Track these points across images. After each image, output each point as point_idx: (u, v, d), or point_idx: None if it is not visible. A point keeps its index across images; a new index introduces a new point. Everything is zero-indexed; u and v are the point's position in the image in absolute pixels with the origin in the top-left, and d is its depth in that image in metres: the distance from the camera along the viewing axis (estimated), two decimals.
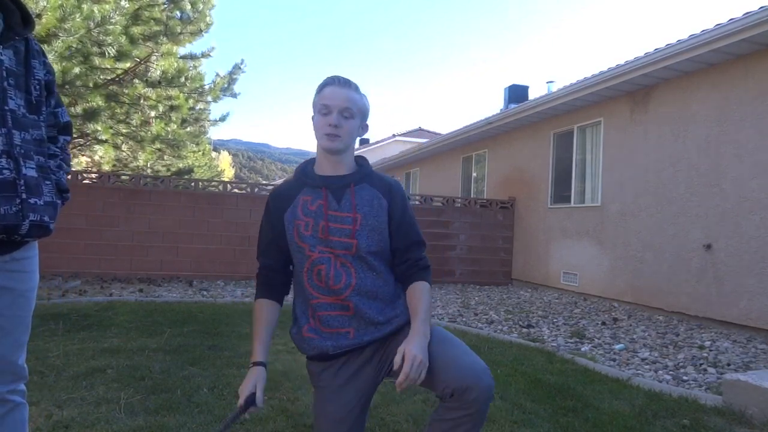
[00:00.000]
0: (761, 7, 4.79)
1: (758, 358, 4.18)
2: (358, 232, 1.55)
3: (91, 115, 7.63)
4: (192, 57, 9.08)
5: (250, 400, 1.48)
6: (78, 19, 5.90)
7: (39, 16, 5.60)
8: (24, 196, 1.26)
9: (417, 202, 8.88)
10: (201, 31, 8.50)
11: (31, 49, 1.37)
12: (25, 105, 1.32)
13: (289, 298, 1.73)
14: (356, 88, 1.60)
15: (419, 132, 24.42)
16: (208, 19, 8.55)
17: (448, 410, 1.39)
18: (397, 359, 1.36)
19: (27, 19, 1.36)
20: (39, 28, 5.59)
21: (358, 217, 1.56)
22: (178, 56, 8.71)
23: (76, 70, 6.78)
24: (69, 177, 7.22)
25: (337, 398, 1.52)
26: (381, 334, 1.55)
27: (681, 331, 5.21)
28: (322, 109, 1.56)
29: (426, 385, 1.44)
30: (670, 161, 6.18)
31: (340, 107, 1.55)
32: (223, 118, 10.58)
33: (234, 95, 9.59)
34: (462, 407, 1.35)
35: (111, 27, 6.46)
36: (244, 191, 8.22)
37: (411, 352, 1.35)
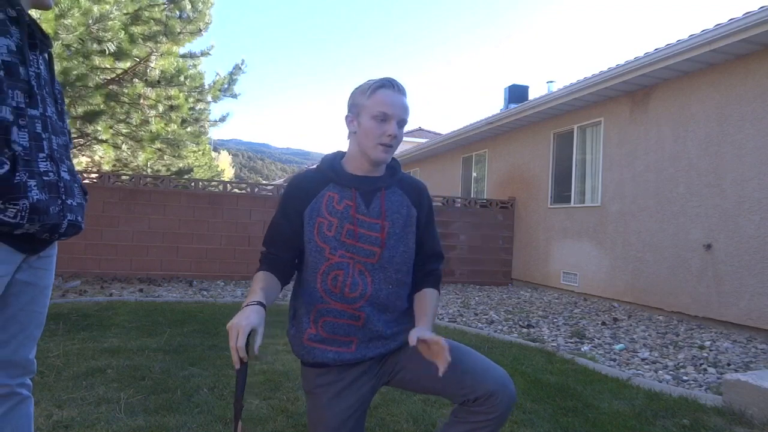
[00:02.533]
0: (761, 7, 4.79)
1: (758, 358, 4.18)
2: (385, 240, 1.48)
3: (91, 115, 7.63)
4: (191, 56, 9.08)
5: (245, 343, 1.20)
6: (77, 15, 5.90)
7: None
8: (63, 197, 1.33)
9: None
10: (200, 30, 8.48)
11: (53, 61, 1.44)
12: (55, 112, 1.39)
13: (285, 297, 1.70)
14: (407, 94, 1.52)
15: (419, 132, 24.41)
16: (207, 18, 8.54)
17: (470, 413, 1.38)
18: (413, 339, 1.32)
19: (47, 37, 1.42)
20: None
21: (386, 225, 1.49)
22: (178, 55, 8.71)
23: (76, 70, 6.78)
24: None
25: (333, 406, 1.48)
26: (385, 350, 1.51)
27: (681, 331, 5.21)
28: (379, 116, 1.45)
29: (445, 391, 1.42)
30: (670, 161, 6.18)
31: (400, 117, 1.47)
32: (223, 119, 10.58)
33: (234, 95, 9.59)
34: (486, 411, 1.36)
35: (110, 23, 6.46)
36: (244, 191, 8.22)
37: (435, 336, 1.32)
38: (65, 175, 1.36)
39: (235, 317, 1.24)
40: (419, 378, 1.48)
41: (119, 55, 7.18)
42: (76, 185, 1.42)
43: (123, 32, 6.93)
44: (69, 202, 1.35)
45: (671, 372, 3.74)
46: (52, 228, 1.30)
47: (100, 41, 6.68)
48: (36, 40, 1.32)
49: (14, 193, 1.19)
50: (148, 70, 8.00)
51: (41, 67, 1.33)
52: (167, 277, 7.49)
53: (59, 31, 5.88)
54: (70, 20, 5.84)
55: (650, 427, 2.56)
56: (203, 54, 9.14)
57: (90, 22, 6.25)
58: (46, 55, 1.40)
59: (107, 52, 6.88)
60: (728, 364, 3.95)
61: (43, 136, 1.30)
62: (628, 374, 3.50)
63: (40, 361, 3.06)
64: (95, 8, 6.27)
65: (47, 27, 5.69)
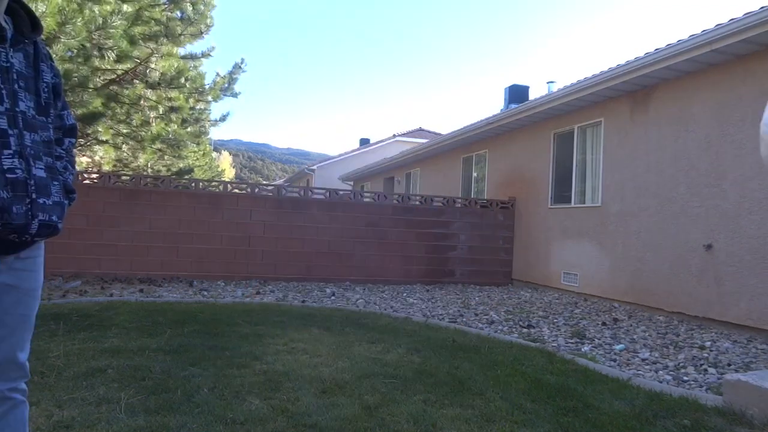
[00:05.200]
0: (762, 8, 4.79)
1: (759, 358, 4.18)
2: None
3: (91, 116, 7.63)
4: (192, 57, 9.08)
5: None
6: (79, 24, 5.90)
7: None
8: (34, 195, 1.29)
9: (417, 203, 8.88)
10: (201, 32, 8.49)
11: (40, 53, 1.40)
12: (35, 107, 1.36)
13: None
14: None
15: (420, 132, 24.42)
16: (208, 20, 8.54)
17: None
18: None
19: (35, 24, 1.39)
20: None
21: None
22: (179, 57, 8.71)
23: (77, 72, 6.79)
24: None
25: None
26: None
27: (681, 332, 5.21)
28: None
29: None
30: (670, 161, 6.18)
31: None
32: (223, 118, 10.57)
33: (234, 95, 9.59)
34: None
35: (112, 30, 6.46)
36: (244, 191, 8.22)
37: None
38: (39, 173, 1.32)
39: None
40: None
41: (120, 57, 7.18)
42: (55, 183, 1.38)
43: (124, 41, 6.92)
44: (41, 201, 1.31)
45: (671, 372, 3.74)
46: (18, 228, 1.26)
47: (101, 48, 6.69)
48: (3, 32, 1.28)
49: None
50: (148, 72, 8.01)
51: (12, 60, 1.29)
52: (167, 277, 7.49)
53: (60, 36, 5.88)
54: (71, 27, 5.84)
55: (650, 427, 2.56)
56: (204, 55, 9.14)
57: (92, 28, 6.24)
58: (30, 48, 1.36)
59: (108, 59, 6.88)
60: (729, 365, 3.95)
61: (10, 132, 1.26)
62: (629, 374, 3.50)
63: (41, 361, 3.07)
64: (96, 10, 6.27)
65: (46, 31, 5.68)
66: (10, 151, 1.25)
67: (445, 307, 6.38)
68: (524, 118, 8.68)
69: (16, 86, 1.30)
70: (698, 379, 3.55)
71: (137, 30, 7.47)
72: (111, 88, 7.94)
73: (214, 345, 3.74)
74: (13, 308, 1.36)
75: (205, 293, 6.47)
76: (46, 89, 1.40)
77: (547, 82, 11.73)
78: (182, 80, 8.32)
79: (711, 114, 5.71)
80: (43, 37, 5.78)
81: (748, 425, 2.61)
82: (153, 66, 7.97)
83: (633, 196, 6.69)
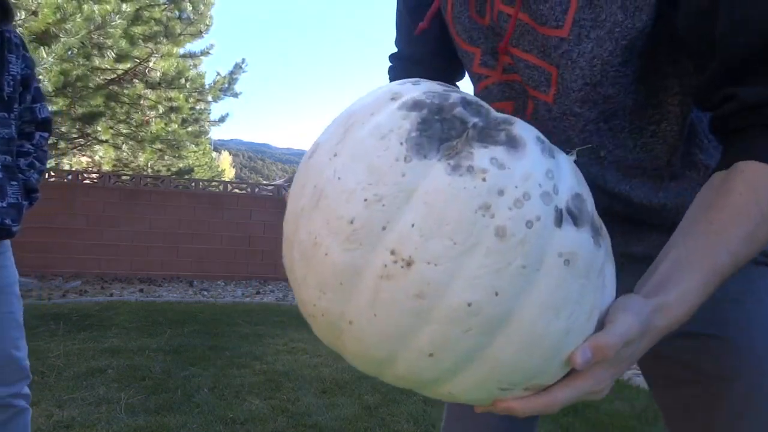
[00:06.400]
0: None
1: None
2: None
3: (91, 116, 7.64)
4: (191, 55, 9.07)
5: None
6: (79, 20, 5.90)
7: (35, 13, 5.58)
8: None
9: None
10: (201, 32, 8.48)
11: (10, 42, 1.32)
12: None
13: None
14: None
15: None
16: (208, 20, 8.54)
17: None
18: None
19: (6, 12, 1.32)
20: (36, 23, 5.58)
21: None
22: (178, 56, 8.72)
23: (77, 71, 6.79)
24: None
25: None
26: None
27: None
28: None
29: None
30: None
31: None
32: (222, 119, 10.57)
33: (235, 95, 9.58)
34: None
35: (111, 30, 6.46)
36: (244, 191, 8.23)
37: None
38: None
39: None
40: None
41: (119, 56, 7.18)
42: (13, 183, 1.32)
43: (123, 40, 6.92)
44: None
45: None
46: None
47: (100, 47, 6.68)
48: None
49: None
50: (147, 71, 8.01)
51: None
52: (167, 278, 7.49)
53: (60, 35, 5.87)
54: (71, 24, 5.83)
55: (650, 427, 2.56)
56: (203, 53, 9.13)
57: (91, 27, 6.24)
58: None
59: (108, 57, 6.88)
60: None
61: None
62: (629, 374, 3.50)
63: (41, 361, 3.07)
64: (96, 10, 6.26)
65: (44, 22, 5.66)
66: None
67: None
68: None
69: None
70: None
71: (137, 30, 7.47)
72: (111, 87, 7.94)
73: (214, 345, 3.75)
74: None
75: (206, 293, 6.48)
76: (11, 82, 1.32)
77: None
78: (182, 80, 8.32)
79: None
80: (42, 28, 5.77)
81: None
82: (153, 66, 7.98)
83: None
